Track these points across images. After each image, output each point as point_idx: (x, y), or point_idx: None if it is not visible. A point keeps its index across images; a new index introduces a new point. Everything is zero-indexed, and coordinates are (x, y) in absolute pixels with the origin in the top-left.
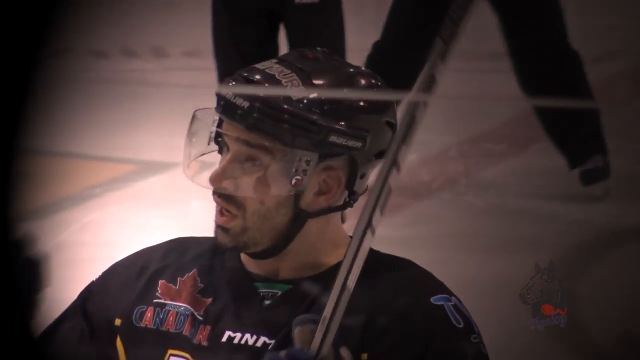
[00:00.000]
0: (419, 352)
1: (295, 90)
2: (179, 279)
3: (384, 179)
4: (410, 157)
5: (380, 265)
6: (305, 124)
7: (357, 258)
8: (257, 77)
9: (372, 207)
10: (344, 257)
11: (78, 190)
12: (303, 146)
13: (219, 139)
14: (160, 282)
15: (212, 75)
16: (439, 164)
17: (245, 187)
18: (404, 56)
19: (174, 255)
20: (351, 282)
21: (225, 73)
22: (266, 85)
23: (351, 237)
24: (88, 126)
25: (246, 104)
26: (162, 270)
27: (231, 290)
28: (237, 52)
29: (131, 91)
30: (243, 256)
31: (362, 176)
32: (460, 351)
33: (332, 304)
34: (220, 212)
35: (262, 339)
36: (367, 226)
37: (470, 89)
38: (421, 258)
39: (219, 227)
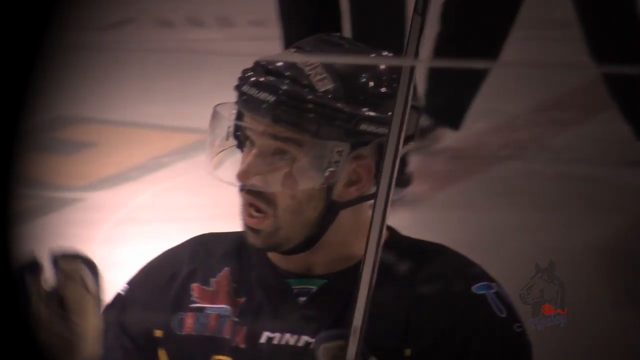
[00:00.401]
0: (463, 345)
1: (301, 57)
2: (211, 280)
3: (392, 161)
4: (479, 125)
5: (415, 254)
6: (334, 113)
7: (377, 256)
8: (279, 67)
9: (385, 200)
10: (364, 257)
11: (146, 159)
12: (334, 136)
13: (238, 133)
14: (194, 285)
15: (277, 44)
16: (507, 132)
17: (275, 181)
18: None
19: (201, 256)
20: (374, 281)
21: (289, 39)
22: (288, 74)
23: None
24: (154, 95)
25: (271, 98)
26: (193, 273)
27: (264, 288)
28: (300, 17)
29: (197, 60)
30: (272, 253)
31: None
32: (504, 342)
33: (362, 311)
34: (250, 213)
35: (304, 338)
36: (383, 221)
37: (538, 57)
38: (491, 221)
39: (249, 228)
